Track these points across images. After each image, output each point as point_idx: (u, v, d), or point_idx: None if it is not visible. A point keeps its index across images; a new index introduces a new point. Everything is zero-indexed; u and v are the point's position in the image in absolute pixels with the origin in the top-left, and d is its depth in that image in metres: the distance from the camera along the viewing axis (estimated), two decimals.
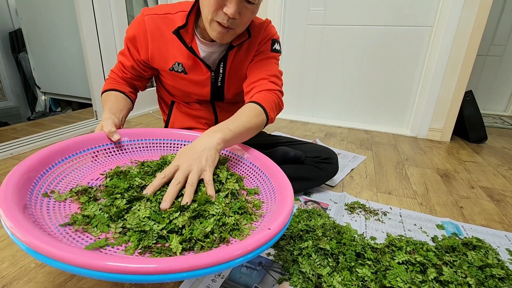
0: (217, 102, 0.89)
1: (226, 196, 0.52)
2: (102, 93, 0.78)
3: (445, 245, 0.65)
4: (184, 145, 0.72)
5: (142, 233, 0.41)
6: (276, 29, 0.83)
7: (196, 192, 0.50)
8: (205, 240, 0.41)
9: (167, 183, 0.50)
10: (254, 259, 0.63)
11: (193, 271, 0.32)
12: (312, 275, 0.55)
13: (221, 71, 0.79)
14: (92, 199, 0.47)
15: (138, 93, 0.87)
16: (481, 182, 1.12)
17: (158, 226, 0.42)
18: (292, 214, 0.45)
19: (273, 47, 0.81)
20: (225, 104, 0.90)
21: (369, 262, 0.58)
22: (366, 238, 0.69)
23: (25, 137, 1.39)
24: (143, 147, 0.69)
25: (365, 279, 0.54)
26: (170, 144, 0.72)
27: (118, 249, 0.39)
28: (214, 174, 0.55)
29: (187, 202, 0.46)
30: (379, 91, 1.78)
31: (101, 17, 1.60)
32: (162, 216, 0.43)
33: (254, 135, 0.69)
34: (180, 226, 0.42)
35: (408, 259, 0.58)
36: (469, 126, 1.61)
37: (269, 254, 0.64)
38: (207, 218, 0.45)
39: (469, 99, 1.60)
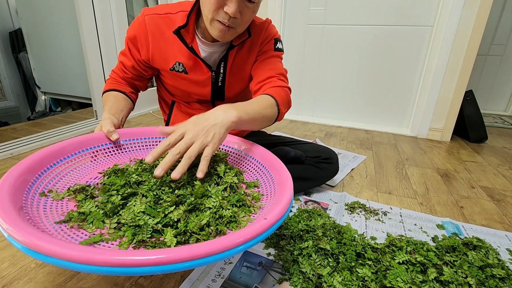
0: (217, 102, 0.89)
1: (225, 189, 0.51)
2: (103, 93, 0.78)
3: (445, 245, 0.65)
4: None
5: (136, 228, 0.41)
6: (277, 29, 0.83)
7: (192, 186, 0.50)
8: (200, 232, 0.41)
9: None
10: (254, 259, 0.63)
11: (179, 263, 0.31)
12: (313, 275, 0.55)
13: (221, 71, 0.79)
14: (89, 196, 0.47)
15: (139, 93, 0.87)
16: (481, 182, 1.12)
17: (153, 220, 0.42)
18: (291, 203, 0.45)
19: (276, 46, 0.81)
20: (226, 103, 0.90)
21: (370, 262, 0.58)
22: (366, 238, 0.69)
23: (25, 137, 1.39)
24: (142, 146, 0.69)
25: (366, 279, 0.54)
26: None
27: (112, 244, 0.39)
28: (212, 168, 0.55)
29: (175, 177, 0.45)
30: (379, 90, 1.78)
31: (101, 17, 1.60)
32: (158, 210, 0.43)
33: (257, 132, 0.68)
34: (176, 219, 0.42)
35: (408, 259, 0.58)
36: (469, 126, 1.61)
37: (269, 254, 0.64)
38: (203, 211, 0.45)
39: (469, 99, 1.60)
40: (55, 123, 1.69)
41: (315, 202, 0.89)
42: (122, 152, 0.65)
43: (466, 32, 1.44)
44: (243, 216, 0.46)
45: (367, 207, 0.87)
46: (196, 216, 0.44)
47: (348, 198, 0.92)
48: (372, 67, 1.75)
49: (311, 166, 0.90)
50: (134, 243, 0.39)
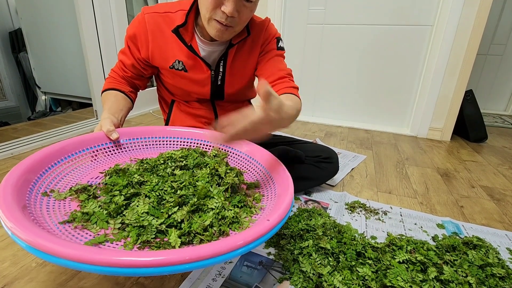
0: (217, 101, 0.89)
1: (226, 190, 0.52)
2: (102, 92, 0.78)
3: (445, 244, 0.65)
4: (184, 142, 0.73)
5: (141, 228, 0.41)
6: (276, 29, 0.84)
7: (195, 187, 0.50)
8: (204, 233, 0.41)
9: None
10: (254, 258, 0.63)
11: (188, 264, 0.31)
12: (313, 274, 0.55)
13: (221, 69, 0.79)
14: (91, 196, 0.47)
15: (138, 93, 0.87)
16: (481, 181, 1.12)
17: (156, 221, 0.42)
18: (292, 204, 0.45)
19: (279, 45, 0.81)
20: (225, 103, 0.90)
21: (370, 261, 0.58)
22: (366, 237, 0.69)
23: (26, 137, 1.39)
24: (142, 145, 0.69)
25: (366, 278, 0.54)
26: (169, 142, 0.72)
27: (117, 244, 0.39)
28: (213, 168, 0.56)
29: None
30: (379, 90, 1.78)
31: (101, 17, 1.60)
32: (161, 211, 0.44)
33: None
34: (179, 220, 0.42)
35: (408, 258, 0.58)
36: (469, 126, 1.61)
37: (269, 253, 0.64)
38: (206, 212, 0.45)
39: (469, 98, 1.60)
40: (55, 123, 1.69)
41: (315, 201, 0.89)
42: (122, 152, 0.65)
43: (466, 31, 1.44)
44: (245, 217, 0.46)
45: (367, 207, 0.87)
46: (199, 217, 0.44)
47: (348, 198, 0.92)
48: (372, 66, 1.75)
49: (311, 165, 0.90)
50: (139, 244, 0.39)
